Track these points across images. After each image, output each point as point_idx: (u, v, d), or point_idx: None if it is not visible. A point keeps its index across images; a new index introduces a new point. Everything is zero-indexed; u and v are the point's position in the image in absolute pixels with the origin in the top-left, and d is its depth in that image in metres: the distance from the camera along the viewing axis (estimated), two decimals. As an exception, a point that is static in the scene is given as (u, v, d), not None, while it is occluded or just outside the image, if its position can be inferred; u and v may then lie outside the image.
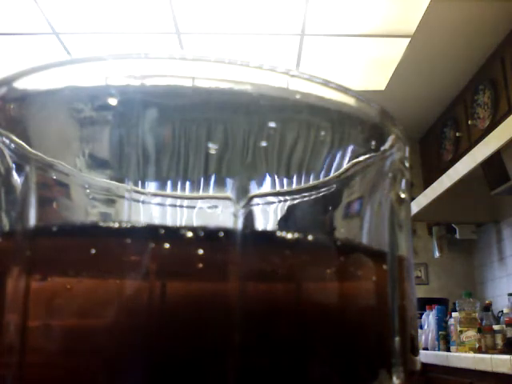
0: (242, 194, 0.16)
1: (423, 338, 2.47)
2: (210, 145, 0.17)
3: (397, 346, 0.18)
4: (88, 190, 0.19)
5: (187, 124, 0.17)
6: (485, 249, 2.88)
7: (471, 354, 1.88)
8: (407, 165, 0.21)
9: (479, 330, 2.08)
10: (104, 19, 2.06)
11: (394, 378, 0.17)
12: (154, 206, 0.18)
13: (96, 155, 0.18)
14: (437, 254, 2.89)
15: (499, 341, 1.97)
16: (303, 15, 2.06)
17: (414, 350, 0.19)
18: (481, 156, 1.96)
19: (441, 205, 2.46)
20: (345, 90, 0.18)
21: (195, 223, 0.20)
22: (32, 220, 0.16)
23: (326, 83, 0.17)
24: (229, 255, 0.15)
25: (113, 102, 0.16)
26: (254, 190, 0.17)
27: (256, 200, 0.17)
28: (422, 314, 2.56)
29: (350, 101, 0.18)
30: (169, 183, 0.18)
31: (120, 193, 0.17)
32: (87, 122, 0.17)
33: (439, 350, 2.31)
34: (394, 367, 0.17)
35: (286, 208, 0.21)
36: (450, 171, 2.23)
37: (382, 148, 0.19)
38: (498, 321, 2.18)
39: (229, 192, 0.16)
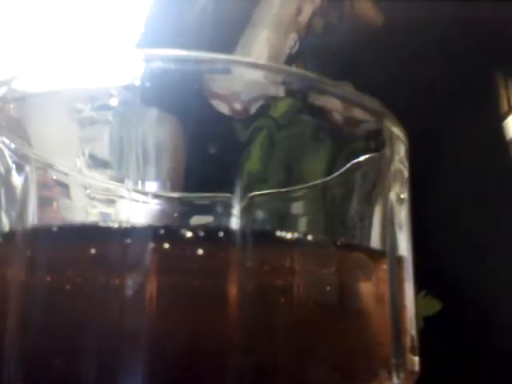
0: (243, 193, 0.16)
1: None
2: (211, 145, 0.17)
3: (397, 346, 0.18)
4: (88, 190, 0.19)
5: (187, 124, 0.17)
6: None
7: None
8: (407, 165, 0.21)
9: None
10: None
11: (394, 378, 0.17)
12: (154, 206, 0.18)
13: (96, 155, 0.18)
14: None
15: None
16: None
17: (414, 350, 0.19)
18: (481, 156, 1.96)
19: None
20: (345, 89, 0.18)
21: (195, 223, 0.20)
22: (32, 220, 0.16)
23: (326, 83, 0.17)
24: (229, 255, 0.15)
25: (113, 101, 0.16)
26: (254, 189, 0.17)
27: (256, 200, 0.17)
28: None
29: (351, 100, 0.18)
30: (169, 183, 0.18)
31: (120, 193, 0.17)
32: (87, 121, 0.17)
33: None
34: (394, 367, 0.17)
35: (286, 208, 0.21)
36: (450, 171, 2.22)
37: (382, 148, 0.19)
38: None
39: (229, 192, 0.16)
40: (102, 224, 0.17)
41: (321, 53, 0.50)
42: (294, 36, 0.51)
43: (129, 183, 0.16)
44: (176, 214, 0.20)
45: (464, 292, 0.45)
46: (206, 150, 0.17)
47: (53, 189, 0.18)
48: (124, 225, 0.15)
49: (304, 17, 0.51)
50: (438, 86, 0.47)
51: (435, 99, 0.45)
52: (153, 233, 0.15)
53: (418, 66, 0.47)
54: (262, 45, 0.51)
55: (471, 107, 0.50)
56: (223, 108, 0.19)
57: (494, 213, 0.49)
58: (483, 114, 0.51)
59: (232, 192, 0.16)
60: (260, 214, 0.18)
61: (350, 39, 0.49)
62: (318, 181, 0.20)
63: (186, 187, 0.21)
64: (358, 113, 0.18)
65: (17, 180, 0.17)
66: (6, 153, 0.17)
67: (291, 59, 0.51)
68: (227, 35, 0.54)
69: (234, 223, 0.16)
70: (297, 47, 0.51)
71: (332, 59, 0.49)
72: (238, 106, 0.17)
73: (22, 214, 0.16)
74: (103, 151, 0.17)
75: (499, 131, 0.54)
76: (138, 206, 0.18)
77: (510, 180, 0.50)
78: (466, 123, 0.49)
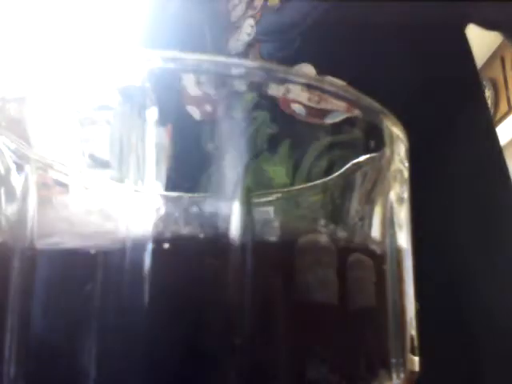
0: (243, 193, 0.16)
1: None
2: (211, 144, 0.17)
3: (397, 346, 0.18)
4: (88, 190, 0.19)
5: (187, 124, 0.17)
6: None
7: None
8: (407, 165, 0.21)
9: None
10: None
11: (394, 378, 0.17)
12: (154, 206, 0.18)
13: (96, 155, 0.18)
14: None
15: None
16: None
17: (414, 350, 0.19)
18: (481, 156, 1.96)
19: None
20: (345, 90, 0.18)
21: (195, 223, 0.20)
22: (32, 220, 0.16)
23: (326, 82, 0.17)
24: (229, 254, 0.15)
25: (113, 102, 0.16)
26: (254, 189, 0.17)
27: (257, 199, 0.17)
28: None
29: (349, 101, 0.18)
30: (169, 183, 0.18)
31: (120, 193, 0.17)
32: (87, 121, 0.17)
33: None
34: (394, 367, 0.17)
35: (286, 208, 0.21)
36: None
37: (382, 148, 0.19)
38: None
39: (230, 191, 0.16)
40: (101, 224, 0.17)
41: (278, 31, 0.49)
42: (251, 22, 0.51)
43: (129, 183, 0.16)
44: (176, 214, 0.20)
45: (441, 293, 0.45)
46: (206, 149, 0.17)
47: (53, 189, 0.18)
48: (124, 225, 0.15)
49: (259, 0, 0.50)
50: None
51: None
52: (152, 232, 0.15)
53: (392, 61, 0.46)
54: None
55: (457, 105, 0.50)
56: (195, 113, 0.19)
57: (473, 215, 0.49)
58: (471, 111, 0.51)
59: (231, 192, 0.16)
60: (260, 214, 0.18)
61: (309, 10, 0.48)
62: (319, 181, 0.20)
63: (185, 187, 0.21)
64: (358, 113, 0.18)
65: (17, 180, 0.17)
66: (6, 153, 0.17)
67: (248, 46, 0.51)
68: (196, 36, 0.54)
69: (234, 223, 0.16)
70: (253, 33, 0.50)
71: (290, 38, 0.48)
72: (208, 108, 0.17)
73: (21, 213, 0.16)
74: (103, 151, 0.17)
75: (492, 135, 0.54)
76: (137, 206, 0.18)
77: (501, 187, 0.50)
78: (452, 120, 0.49)
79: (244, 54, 0.51)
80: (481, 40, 2.29)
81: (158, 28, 0.60)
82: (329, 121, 0.18)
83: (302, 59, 0.44)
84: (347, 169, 0.19)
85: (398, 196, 0.20)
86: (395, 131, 0.19)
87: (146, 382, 0.14)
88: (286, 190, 0.21)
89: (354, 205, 0.20)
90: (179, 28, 0.57)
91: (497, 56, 2.28)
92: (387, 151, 0.19)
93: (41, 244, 0.16)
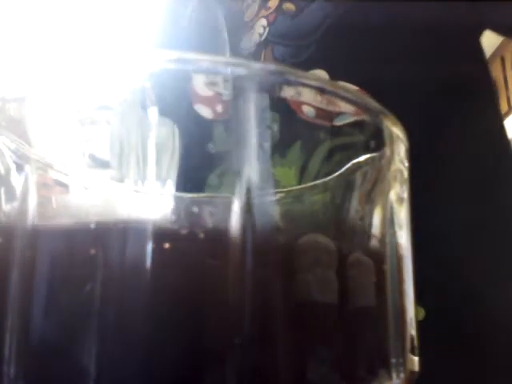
0: (243, 193, 0.16)
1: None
2: (211, 144, 0.17)
3: (397, 346, 0.18)
4: (88, 190, 0.19)
5: (192, 124, 0.17)
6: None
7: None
8: (407, 165, 0.21)
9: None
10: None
11: (394, 378, 0.17)
12: (154, 206, 0.18)
13: (96, 155, 0.18)
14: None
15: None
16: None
17: (414, 350, 0.19)
18: (481, 156, 1.96)
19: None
20: (345, 90, 0.18)
21: (195, 223, 0.20)
22: (32, 220, 0.16)
23: (326, 83, 0.17)
24: (229, 254, 0.15)
25: (113, 102, 0.16)
26: (255, 189, 0.17)
27: (257, 199, 0.17)
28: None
29: (349, 101, 0.18)
30: (169, 183, 0.18)
31: (120, 192, 0.17)
32: (87, 121, 0.17)
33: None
34: (394, 367, 0.17)
35: (286, 208, 0.21)
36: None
37: (382, 148, 0.19)
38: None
39: (230, 191, 0.16)
40: (101, 224, 0.17)
41: (293, 37, 0.50)
42: (263, 23, 0.51)
43: (129, 183, 0.16)
44: (177, 214, 0.20)
45: (447, 300, 0.45)
46: (205, 150, 0.17)
47: (53, 189, 0.18)
48: (123, 224, 0.15)
49: (273, 2, 0.50)
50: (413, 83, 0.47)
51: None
52: (152, 231, 0.15)
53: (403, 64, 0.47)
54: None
55: (471, 107, 0.50)
56: (206, 112, 0.19)
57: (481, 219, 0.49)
58: (483, 114, 0.51)
59: (232, 192, 0.16)
60: (260, 214, 0.18)
61: (323, 18, 0.48)
62: (319, 181, 0.20)
63: (186, 187, 0.21)
64: (358, 113, 0.18)
65: (17, 180, 0.17)
66: (6, 153, 0.17)
67: (260, 47, 0.51)
68: (209, 39, 0.54)
69: (234, 223, 0.16)
70: (266, 34, 0.50)
71: (304, 43, 0.48)
72: (219, 109, 0.17)
73: (21, 213, 0.16)
74: (103, 151, 0.17)
75: (499, 131, 0.54)
76: (137, 206, 0.18)
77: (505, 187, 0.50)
78: (466, 123, 0.49)
79: (256, 54, 0.51)
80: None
81: (176, 27, 0.60)
82: (338, 123, 0.18)
83: (316, 65, 0.45)
84: (347, 169, 0.19)
85: (397, 196, 0.20)
86: (395, 131, 0.19)
87: (146, 382, 0.14)
88: (286, 189, 0.21)
89: (354, 205, 0.20)
90: (196, 27, 0.57)
91: (497, 56, 2.28)
92: (387, 151, 0.19)
93: (41, 244, 0.16)
